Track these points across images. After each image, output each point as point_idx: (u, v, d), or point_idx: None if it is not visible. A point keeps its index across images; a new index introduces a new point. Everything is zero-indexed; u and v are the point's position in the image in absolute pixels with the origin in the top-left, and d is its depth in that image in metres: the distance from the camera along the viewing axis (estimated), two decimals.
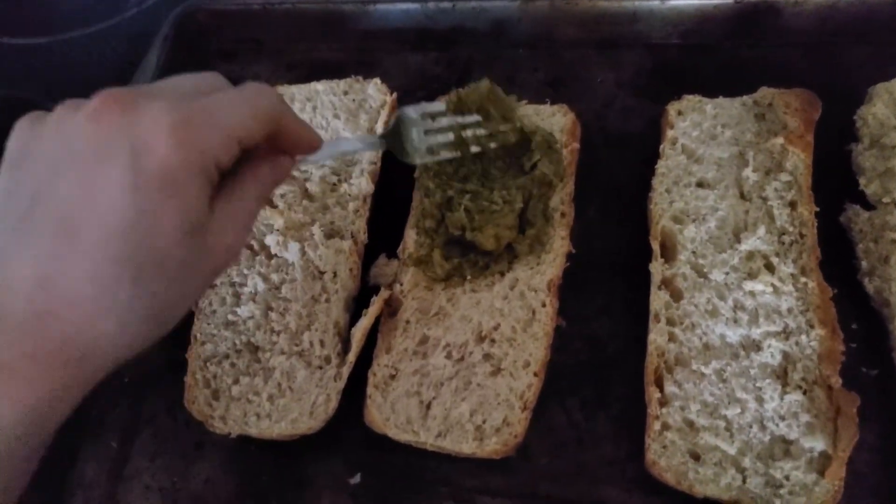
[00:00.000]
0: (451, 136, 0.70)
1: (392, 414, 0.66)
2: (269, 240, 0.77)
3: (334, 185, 0.81)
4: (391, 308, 0.72)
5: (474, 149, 0.72)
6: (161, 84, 0.48)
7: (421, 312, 0.71)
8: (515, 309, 0.70)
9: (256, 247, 0.77)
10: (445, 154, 0.70)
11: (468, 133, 0.71)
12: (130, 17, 1.10)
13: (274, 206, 0.80)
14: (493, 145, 0.73)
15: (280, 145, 0.51)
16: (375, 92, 0.88)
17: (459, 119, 0.71)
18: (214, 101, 0.44)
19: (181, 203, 0.42)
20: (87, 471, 0.72)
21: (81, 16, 1.11)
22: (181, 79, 0.48)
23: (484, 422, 0.64)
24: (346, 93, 0.89)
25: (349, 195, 0.80)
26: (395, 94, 0.87)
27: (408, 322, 0.71)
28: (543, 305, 0.70)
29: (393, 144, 0.68)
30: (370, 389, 0.67)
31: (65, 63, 1.09)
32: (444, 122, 0.70)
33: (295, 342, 0.71)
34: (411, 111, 0.69)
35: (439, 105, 0.72)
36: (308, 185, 0.81)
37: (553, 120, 0.81)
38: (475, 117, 0.72)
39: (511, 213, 0.71)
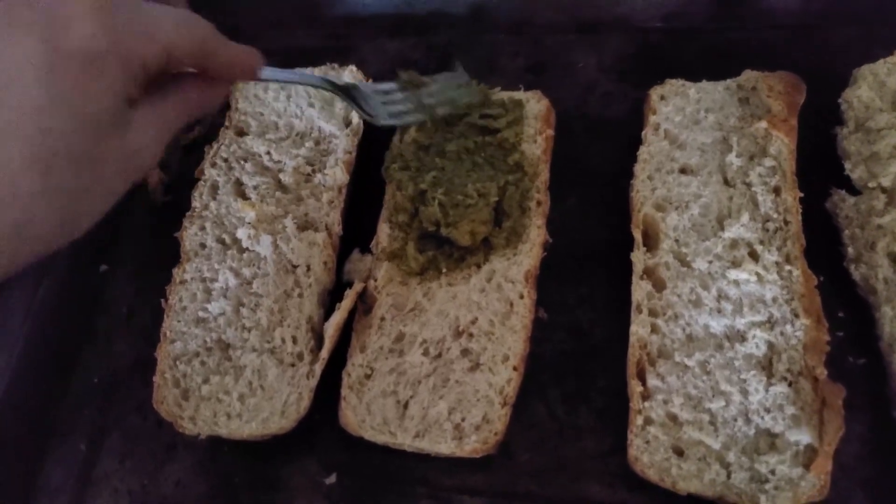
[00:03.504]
0: (409, 105, 0.69)
1: (368, 415, 0.64)
2: (241, 233, 0.74)
3: (308, 175, 0.79)
4: (365, 305, 0.70)
5: (442, 110, 0.70)
6: None
7: (396, 308, 0.69)
8: (493, 302, 0.68)
9: (228, 240, 0.75)
10: (410, 119, 0.68)
11: (430, 99, 0.69)
12: None
13: (246, 199, 0.77)
14: (457, 105, 0.71)
15: (213, 73, 0.49)
16: (351, 79, 0.85)
17: (415, 89, 0.70)
18: (148, 6, 0.43)
19: (101, 90, 0.39)
20: (54, 475, 0.70)
21: None
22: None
23: (463, 420, 0.62)
24: None
25: (323, 186, 0.77)
26: (370, 81, 0.84)
27: (383, 319, 0.69)
28: (521, 297, 0.68)
29: (351, 98, 0.65)
30: (344, 391, 0.65)
31: None
32: (398, 96, 0.69)
33: (266, 339, 0.68)
34: (363, 86, 0.67)
35: (389, 84, 0.70)
36: (281, 175, 0.79)
37: (527, 107, 0.79)
38: (433, 85, 0.70)
39: (486, 207, 0.69)
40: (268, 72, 0.55)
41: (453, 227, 0.68)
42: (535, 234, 0.71)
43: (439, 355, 0.66)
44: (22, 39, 0.37)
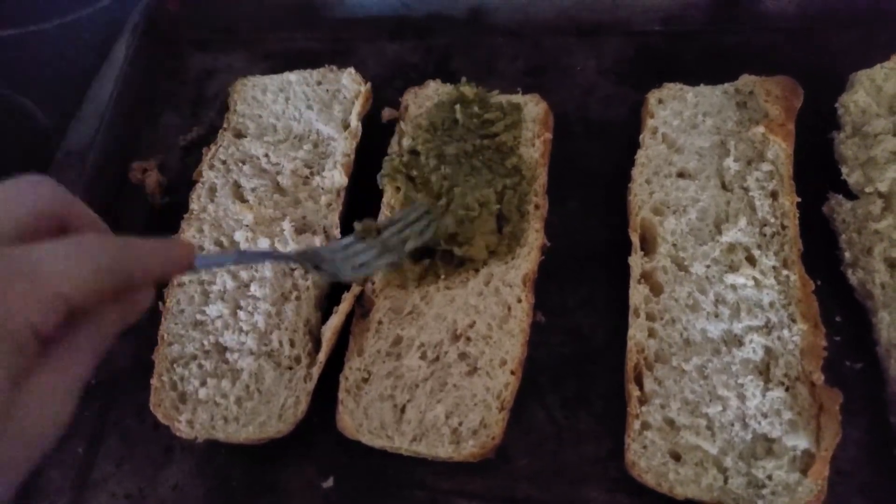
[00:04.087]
0: (374, 252, 0.61)
1: (365, 419, 0.64)
2: (239, 235, 0.74)
3: (306, 178, 0.78)
4: (363, 309, 0.70)
5: (410, 245, 0.64)
6: None
7: (394, 312, 0.69)
8: (490, 305, 0.68)
9: (226, 243, 0.75)
10: (380, 263, 0.61)
11: (394, 239, 0.63)
12: (102, 8, 1.07)
13: (244, 201, 0.77)
14: (425, 236, 0.65)
15: (135, 288, 0.41)
16: (350, 82, 0.85)
17: (379, 237, 0.63)
18: (33, 253, 0.35)
19: None
20: (52, 478, 0.70)
21: (52, 7, 1.08)
22: (2, 195, 0.38)
23: (460, 424, 0.62)
24: (319, 83, 0.86)
25: (322, 188, 0.77)
26: (369, 84, 0.84)
27: (380, 322, 0.69)
28: (519, 301, 0.68)
29: (312, 265, 0.58)
30: (342, 394, 0.65)
31: (36, 55, 1.06)
32: (360, 247, 0.61)
33: (264, 342, 0.68)
34: (321, 251, 0.60)
35: (347, 239, 0.63)
36: (279, 178, 0.79)
37: (526, 110, 0.79)
38: (392, 226, 0.64)
39: (490, 216, 0.69)
40: (201, 260, 0.47)
41: (468, 245, 0.68)
42: (534, 238, 0.71)
43: (437, 359, 0.66)
44: None
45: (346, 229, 0.75)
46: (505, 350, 0.65)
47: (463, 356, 0.66)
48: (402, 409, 0.64)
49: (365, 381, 0.66)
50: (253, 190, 0.77)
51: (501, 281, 0.69)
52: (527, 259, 0.70)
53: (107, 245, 0.39)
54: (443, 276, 0.70)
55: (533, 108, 0.79)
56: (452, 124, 0.77)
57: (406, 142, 0.79)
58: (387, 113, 0.85)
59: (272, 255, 0.60)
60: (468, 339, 0.66)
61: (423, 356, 0.66)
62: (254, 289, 0.71)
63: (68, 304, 0.36)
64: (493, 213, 0.69)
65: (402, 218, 0.65)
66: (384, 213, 0.75)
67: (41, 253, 0.36)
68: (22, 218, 0.38)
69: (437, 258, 0.70)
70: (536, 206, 0.73)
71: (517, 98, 0.81)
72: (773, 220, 0.66)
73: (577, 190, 0.78)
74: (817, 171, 0.72)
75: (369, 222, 0.64)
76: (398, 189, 0.75)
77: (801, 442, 0.57)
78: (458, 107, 0.78)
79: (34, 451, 0.37)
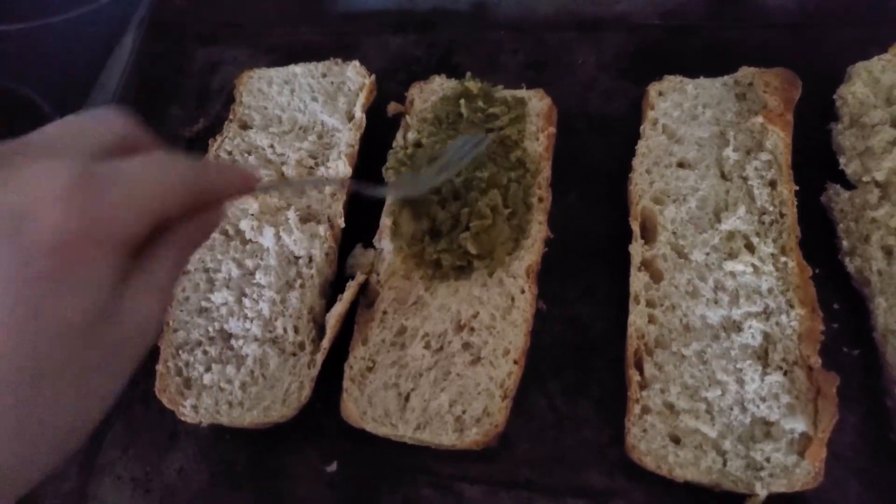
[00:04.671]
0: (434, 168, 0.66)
1: (369, 407, 0.64)
2: (244, 224, 0.75)
3: (311, 168, 0.79)
4: (367, 299, 0.71)
5: (465, 159, 0.67)
6: (53, 131, 0.40)
7: (398, 302, 0.70)
8: (494, 296, 0.68)
9: (231, 232, 0.76)
10: (438, 180, 0.66)
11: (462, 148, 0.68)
12: (108, 3, 1.08)
13: None
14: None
15: (208, 201, 0.44)
16: (354, 74, 0.86)
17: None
18: (122, 167, 0.38)
19: (79, 287, 0.34)
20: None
21: (59, 2, 1.09)
22: (81, 126, 0.41)
23: (464, 412, 0.63)
24: (324, 75, 0.87)
25: (326, 179, 0.78)
26: (373, 76, 0.85)
27: (385, 312, 0.69)
28: (522, 292, 0.68)
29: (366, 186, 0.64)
30: (346, 383, 0.66)
31: (42, 49, 1.07)
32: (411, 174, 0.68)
33: (268, 329, 0.69)
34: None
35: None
36: (284, 168, 0.79)
37: (530, 105, 0.80)
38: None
39: (501, 219, 0.69)
40: (261, 185, 0.51)
41: (490, 260, 0.69)
42: (537, 230, 0.72)
43: (441, 349, 0.67)
44: None
45: (351, 220, 0.76)
46: (508, 340, 0.66)
47: (466, 346, 0.67)
48: (406, 398, 0.65)
49: (369, 369, 0.67)
50: (258, 180, 0.78)
51: (505, 272, 0.69)
52: (530, 251, 0.71)
53: (186, 162, 0.42)
54: (452, 278, 0.70)
55: (537, 102, 0.80)
56: (457, 118, 0.78)
57: (411, 135, 0.80)
58: (392, 107, 0.86)
59: (329, 181, 0.64)
60: (472, 329, 0.67)
61: (428, 346, 0.67)
62: (259, 277, 0.72)
63: (156, 213, 0.38)
64: (503, 215, 0.70)
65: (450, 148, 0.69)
66: (389, 205, 0.75)
67: (131, 166, 0.38)
68: (105, 140, 0.40)
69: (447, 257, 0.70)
70: (540, 199, 0.74)
71: (521, 93, 0.82)
72: (771, 209, 0.67)
73: (578, 182, 0.79)
74: (816, 162, 0.73)
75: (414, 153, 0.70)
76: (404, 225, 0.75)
77: (798, 425, 0.57)
78: (462, 101, 0.79)
79: (141, 346, 0.40)
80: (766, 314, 0.62)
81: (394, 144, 0.80)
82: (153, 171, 0.39)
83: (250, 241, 0.75)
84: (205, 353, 0.69)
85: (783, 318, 0.62)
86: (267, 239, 0.74)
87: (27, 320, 0.33)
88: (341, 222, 0.75)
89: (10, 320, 0.33)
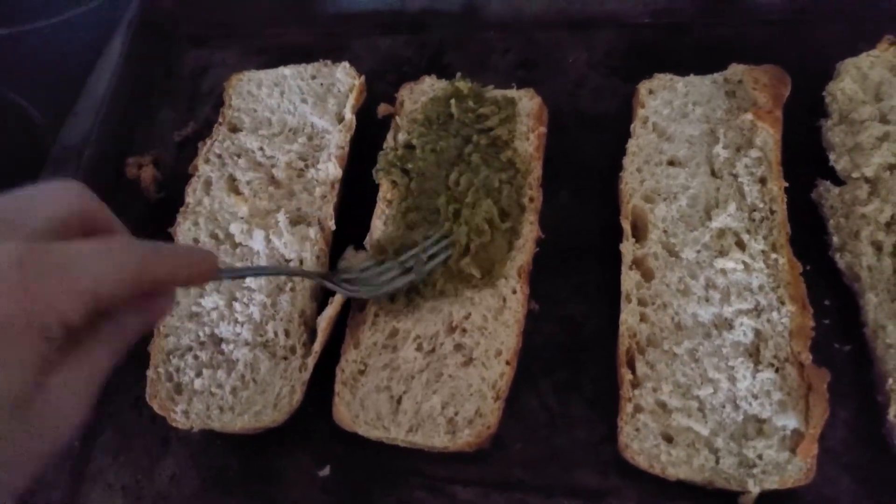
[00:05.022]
0: (395, 272, 0.67)
1: (361, 410, 0.64)
2: (234, 228, 0.75)
3: (301, 170, 0.79)
4: (359, 302, 0.71)
5: (429, 267, 0.67)
6: (6, 205, 0.39)
7: (390, 305, 0.70)
8: (486, 297, 0.68)
9: (221, 235, 0.75)
10: (401, 283, 0.67)
11: (411, 262, 0.67)
12: (97, 6, 1.08)
13: (239, 194, 0.78)
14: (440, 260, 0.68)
15: (159, 291, 0.43)
16: (344, 76, 0.86)
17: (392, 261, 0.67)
18: (66, 250, 0.37)
19: (4, 368, 0.34)
20: (48, 471, 0.70)
21: (47, 6, 1.09)
22: (32, 202, 0.40)
23: (456, 414, 0.63)
24: (314, 77, 0.87)
25: (316, 180, 0.78)
26: (363, 77, 0.85)
27: (376, 315, 0.69)
28: (514, 292, 0.68)
29: (334, 281, 0.65)
30: (338, 386, 0.65)
31: (30, 53, 1.07)
32: (379, 268, 0.67)
33: (259, 333, 0.69)
34: (343, 273, 0.67)
35: (365, 262, 0.68)
36: (274, 171, 0.79)
37: (520, 104, 0.80)
38: (410, 253, 0.67)
39: (498, 232, 0.69)
40: (225, 271, 0.50)
41: (489, 277, 0.68)
42: (528, 230, 0.72)
43: (433, 350, 0.67)
44: None
45: (342, 223, 0.76)
46: (500, 341, 0.66)
47: (458, 347, 0.66)
48: (399, 401, 0.65)
49: (361, 372, 0.67)
50: (248, 183, 0.78)
51: (497, 273, 0.69)
52: (522, 251, 0.70)
53: (137, 249, 0.40)
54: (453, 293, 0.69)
55: (527, 102, 0.80)
56: (448, 119, 0.78)
57: (401, 136, 0.80)
58: (382, 108, 0.86)
59: (294, 271, 0.64)
60: (464, 330, 0.67)
61: (419, 348, 0.67)
62: (249, 280, 0.72)
63: (96, 300, 0.37)
64: (501, 229, 0.69)
65: (421, 242, 0.68)
66: (380, 208, 0.75)
67: (75, 249, 0.37)
68: (55, 217, 0.39)
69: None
70: (531, 199, 0.74)
71: (512, 93, 0.81)
72: (761, 205, 0.67)
73: (568, 182, 0.79)
74: (806, 159, 0.73)
75: (380, 242, 0.69)
76: (394, 183, 0.75)
77: (790, 422, 0.57)
78: (453, 101, 0.78)
79: (53, 445, 0.38)
80: (758, 311, 0.62)
81: (384, 146, 0.80)
82: (98, 257, 0.38)
83: (240, 244, 0.74)
84: (195, 358, 0.69)
85: (774, 314, 0.62)
86: (257, 242, 0.73)
87: None
88: (332, 225, 0.75)
89: None
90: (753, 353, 0.61)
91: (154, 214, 0.85)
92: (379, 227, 0.73)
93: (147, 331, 0.45)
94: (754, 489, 0.56)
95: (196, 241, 0.75)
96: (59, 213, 0.39)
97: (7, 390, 0.34)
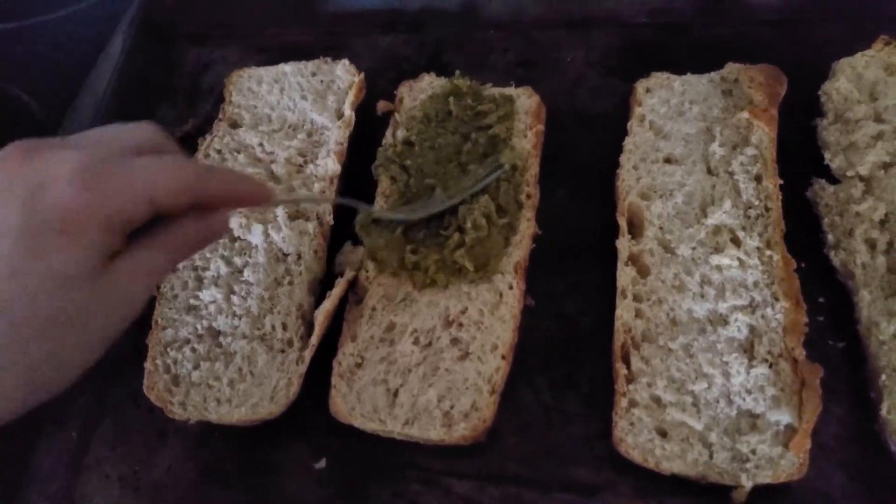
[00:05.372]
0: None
1: (358, 403, 0.64)
2: (232, 222, 0.75)
3: (300, 166, 0.80)
4: (357, 296, 0.71)
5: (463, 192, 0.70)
6: (89, 133, 0.46)
7: (387, 299, 0.70)
8: (482, 292, 0.69)
9: None
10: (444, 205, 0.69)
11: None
12: (98, 3, 1.08)
13: None
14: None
15: (213, 206, 0.48)
16: (344, 73, 0.86)
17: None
18: (134, 161, 0.43)
19: (74, 250, 0.40)
20: (45, 462, 0.70)
21: (48, 1, 1.09)
22: (112, 131, 0.47)
23: (452, 407, 0.63)
24: (314, 74, 0.87)
25: (315, 176, 0.78)
26: (362, 74, 0.85)
27: (374, 309, 0.69)
28: (510, 288, 0.69)
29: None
30: (335, 379, 0.66)
31: (32, 49, 1.07)
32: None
33: (257, 326, 0.69)
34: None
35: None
36: (273, 166, 0.80)
37: (518, 102, 0.80)
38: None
39: (495, 229, 0.70)
40: (279, 197, 0.55)
41: (484, 272, 0.69)
42: (525, 227, 0.72)
43: (429, 344, 0.67)
44: (5, 209, 0.39)
45: (339, 218, 0.76)
46: (496, 335, 0.66)
47: (455, 342, 0.67)
48: (395, 394, 0.65)
49: (358, 366, 0.67)
50: None
51: (492, 268, 0.70)
52: (518, 247, 0.71)
53: (194, 165, 0.48)
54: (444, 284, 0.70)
55: (525, 100, 0.81)
56: (446, 116, 0.79)
57: (400, 133, 0.80)
58: (382, 105, 0.86)
59: (341, 201, 0.66)
60: (460, 324, 0.67)
61: (416, 342, 0.67)
62: (247, 274, 0.72)
63: (153, 203, 0.43)
64: (498, 225, 0.70)
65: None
66: (379, 204, 0.76)
67: (142, 161, 0.43)
68: (131, 142, 0.45)
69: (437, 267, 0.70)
70: (528, 196, 0.74)
71: (510, 91, 0.82)
72: (757, 203, 0.67)
73: (565, 179, 0.80)
74: (801, 157, 0.74)
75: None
76: (393, 179, 0.76)
77: (784, 417, 0.58)
78: (452, 99, 0.79)
79: (120, 321, 0.45)
80: (752, 307, 0.63)
81: (383, 142, 0.80)
82: (159, 167, 0.44)
83: (239, 238, 0.75)
84: (193, 350, 0.69)
85: (768, 310, 0.62)
86: (255, 236, 0.74)
87: (29, 274, 0.39)
88: (330, 220, 0.75)
89: (18, 272, 0.39)
90: (747, 349, 0.62)
91: None
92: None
93: (202, 245, 0.50)
94: (747, 483, 0.56)
95: None
96: (135, 140, 0.46)
97: (81, 264, 0.40)
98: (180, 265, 0.74)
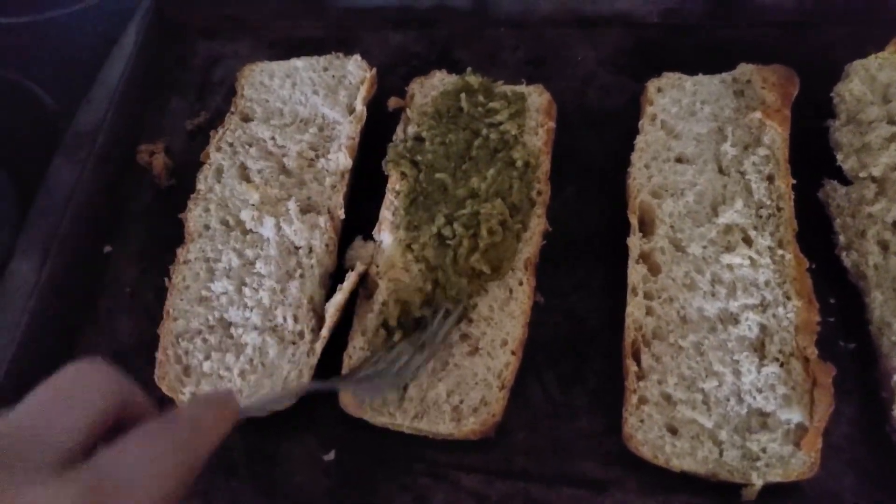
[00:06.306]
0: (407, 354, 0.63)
1: (367, 397, 0.65)
2: (245, 215, 0.75)
3: (312, 160, 0.80)
4: (367, 290, 0.71)
5: (446, 328, 0.65)
6: (33, 421, 0.38)
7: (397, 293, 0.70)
8: (492, 288, 0.69)
9: (231, 222, 0.76)
10: (420, 361, 0.64)
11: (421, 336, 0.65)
12: None
13: (250, 182, 0.78)
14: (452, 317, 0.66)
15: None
16: (355, 68, 0.87)
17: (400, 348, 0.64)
18: (119, 467, 0.37)
19: None
20: None
21: None
22: (63, 402, 0.39)
23: (461, 402, 0.63)
24: (325, 69, 0.88)
25: (326, 171, 0.79)
26: (374, 70, 0.86)
27: (384, 303, 0.70)
28: (520, 284, 0.69)
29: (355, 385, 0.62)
30: (345, 372, 0.66)
31: (45, 42, 1.08)
32: (388, 357, 0.64)
33: (268, 318, 0.69)
34: (362, 374, 0.63)
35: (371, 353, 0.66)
36: (285, 160, 0.80)
37: (529, 100, 0.80)
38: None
39: (509, 233, 0.70)
40: (243, 411, 0.50)
41: (496, 273, 0.68)
42: (535, 223, 0.72)
43: None
44: None
45: (350, 212, 0.77)
46: (506, 331, 0.66)
47: (465, 337, 0.67)
48: (405, 388, 0.65)
49: (368, 359, 0.67)
50: (259, 171, 0.79)
51: (505, 268, 0.70)
52: (529, 243, 0.71)
53: (177, 439, 0.41)
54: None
55: (536, 98, 0.81)
56: (457, 112, 0.79)
57: (411, 129, 0.80)
58: (393, 101, 0.86)
59: (313, 387, 0.62)
60: (470, 320, 0.68)
61: None
62: (259, 266, 0.72)
63: (161, 499, 0.38)
64: (514, 231, 0.70)
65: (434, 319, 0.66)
66: (388, 198, 0.76)
67: (127, 463, 0.38)
68: (92, 416, 0.39)
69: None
70: (539, 193, 0.74)
71: (521, 88, 0.82)
72: (768, 203, 0.67)
73: (576, 176, 0.80)
74: (814, 159, 0.74)
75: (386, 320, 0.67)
76: (403, 175, 0.76)
77: (794, 416, 0.58)
78: (463, 96, 0.79)
79: None
80: (763, 306, 0.63)
81: (394, 137, 0.81)
82: (154, 465, 0.38)
83: (251, 231, 0.75)
84: (204, 341, 0.69)
85: (780, 309, 0.62)
86: (267, 229, 0.74)
87: None
88: (341, 214, 0.76)
89: None
90: (758, 348, 0.62)
91: (164, 201, 0.86)
92: (387, 217, 0.74)
93: None
94: (758, 482, 0.56)
95: (207, 227, 0.76)
96: (95, 411, 0.39)
97: None
98: (192, 256, 0.74)
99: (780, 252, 0.65)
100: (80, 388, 0.40)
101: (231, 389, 0.46)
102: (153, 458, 0.39)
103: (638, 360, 0.63)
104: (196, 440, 0.42)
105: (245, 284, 0.72)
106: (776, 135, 0.71)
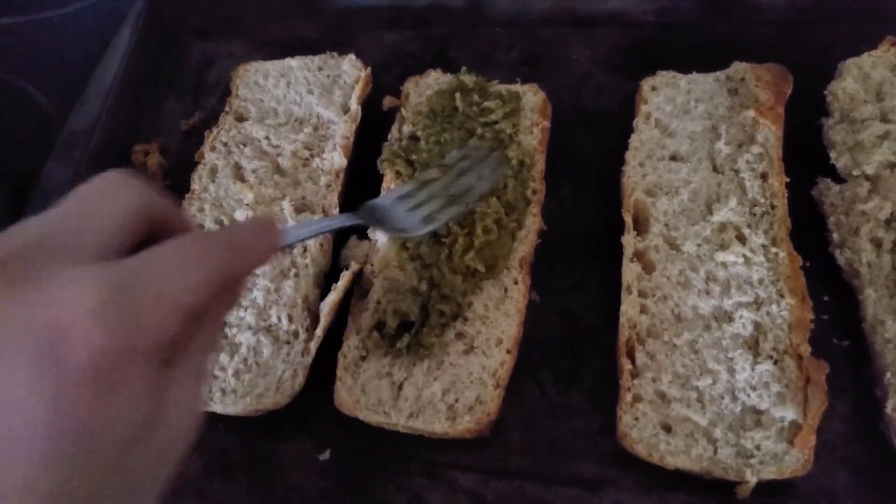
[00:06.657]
0: (438, 203, 0.62)
1: (362, 396, 0.65)
2: (239, 215, 0.75)
3: (306, 160, 0.80)
4: (362, 289, 0.71)
5: (480, 190, 0.65)
6: (73, 218, 0.36)
7: (392, 292, 0.70)
8: (488, 287, 0.69)
9: (226, 222, 0.76)
10: (447, 216, 0.63)
11: (457, 188, 0.64)
12: None
13: (244, 181, 0.78)
14: (494, 179, 0.66)
15: (238, 279, 0.43)
16: (350, 68, 0.87)
17: (437, 181, 0.64)
18: (149, 264, 0.35)
19: (121, 405, 0.32)
20: None
21: None
22: (95, 205, 0.37)
23: (456, 401, 0.63)
24: (320, 68, 0.87)
25: (321, 170, 0.79)
26: (369, 69, 0.86)
27: (378, 302, 0.70)
28: (516, 283, 0.69)
29: (376, 220, 0.60)
30: (340, 371, 0.66)
31: (40, 43, 1.08)
32: (423, 196, 0.63)
33: (262, 317, 0.69)
34: (382, 201, 0.61)
35: (408, 186, 0.65)
36: (279, 160, 0.80)
37: (524, 99, 0.80)
38: (452, 172, 0.65)
39: (504, 231, 0.69)
40: (290, 234, 0.49)
41: (490, 272, 0.68)
42: (531, 222, 0.72)
43: None
44: (18, 370, 0.30)
45: (345, 210, 0.76)
46: (501, 330, 0.66)
47: (460, 335, 0.67)
48: (400, 387, 0.65)
49: (363, 358, 0.67)
50: (254, 171, 0.79)
51: (500, 267, 0.70)
52: (524, 242, 0.71)
53: (211, 247, 0.38)
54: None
55: (531, 97, 0.81)
56: (452, 112, 0.79)
57: (406, 128, 0.80)
58: (388, 101, 0.86)
59: (346, 218, 0.59)
60: (465, 318, 0.68)
61: None
62: None
63: (189, 309, 0.36)
64: (508, 229, 0.70)
65: (461, 162, 0.64)
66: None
67: (159, 261, 0.36)
68: (124, 221, 0.38)
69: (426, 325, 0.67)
70: (534, 192, 0.74)
71: (516, 87, 0.82)
72: (762, 200, 0.67)
73: (571, 175, 0.80)
74: (807, 157, 0.74)
75: (431, 171, 0.65)
76: (398, 174, 0.76)
77: (788, 413, 0.58)
78: (458, 95, 0.79)
79: (175, 464, 0.37)
80: (757, 304, 0.63)
81: (389, 137, 0.81)
82: (180, 264, 0.36)
83: None
84: None
85: (774, 307, 0.62)
86: None
87: (74, 447, 0.31)
88: (336, 213, 0.75)
89: (58, 447, 0.30)
90: (752, 346, 0.62)
91: None
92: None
93: (227, 314, 0.46)
94: (752, 479, 0.56)
95: (201, 226, 0.76)
96: (126, 216, 0.38)
97: (135, 419, 0.33)
98: None
99: (773, 250, 0.65)
100: (113, 190, 0.38)
101: (275, 217, 0.42)
102: (183, 264, 0.36)
103: (632, 359, 0.63)
104: (230, 258, 0.39)
105: None
106: (770, 133, 0.71)
